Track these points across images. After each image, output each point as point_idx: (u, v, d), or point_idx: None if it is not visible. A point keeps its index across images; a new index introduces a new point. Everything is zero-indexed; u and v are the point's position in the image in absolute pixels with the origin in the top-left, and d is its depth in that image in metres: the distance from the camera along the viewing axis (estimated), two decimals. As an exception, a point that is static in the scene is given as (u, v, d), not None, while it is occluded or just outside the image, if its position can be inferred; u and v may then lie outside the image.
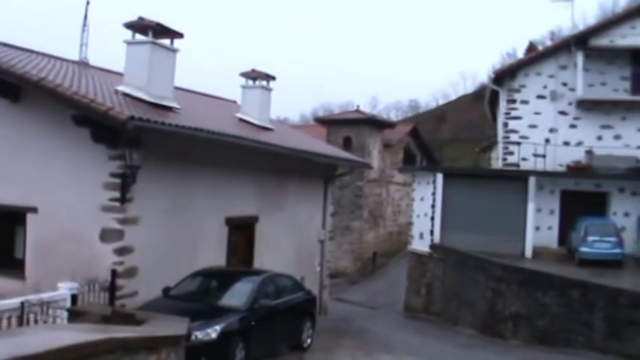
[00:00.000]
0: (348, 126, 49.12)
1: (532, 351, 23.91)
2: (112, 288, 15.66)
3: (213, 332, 14.52)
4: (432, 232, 33.73)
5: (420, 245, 34.83)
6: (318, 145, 28.83)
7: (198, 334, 14.16)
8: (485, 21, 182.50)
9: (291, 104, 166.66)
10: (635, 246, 32.52)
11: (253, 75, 25.11)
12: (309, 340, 19.50)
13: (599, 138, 35.86)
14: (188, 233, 18.67)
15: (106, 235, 16.01)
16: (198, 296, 16.84)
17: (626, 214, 33.84)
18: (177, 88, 20.52)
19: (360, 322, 28.10)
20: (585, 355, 22.88)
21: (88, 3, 24.17)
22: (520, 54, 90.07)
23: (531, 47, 75.05)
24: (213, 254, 19.77)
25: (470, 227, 32.45)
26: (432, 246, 33.55)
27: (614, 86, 36.66)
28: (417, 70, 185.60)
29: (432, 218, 33.79)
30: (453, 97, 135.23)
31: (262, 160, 22.10)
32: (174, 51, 18.88)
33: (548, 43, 75.43)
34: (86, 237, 16.08)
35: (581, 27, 47.76)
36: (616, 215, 33.85)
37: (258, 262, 22.12)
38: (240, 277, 18.06)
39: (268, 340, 16.80)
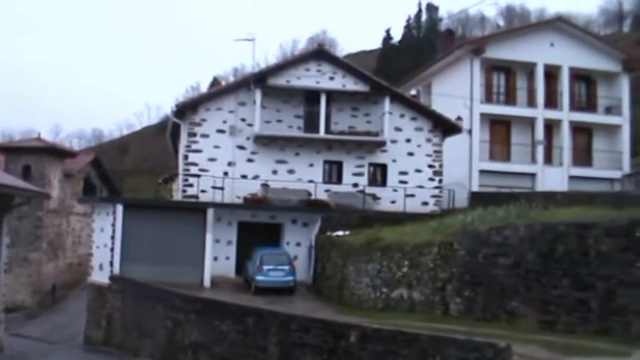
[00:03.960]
0: (28, 154, 47.54)
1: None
2: None
3: None
4: (111, 264, 33.36)
5: (100, 277, 34.33)
6: (-7, 174, 27.57)
7: None
8: (174, 53, 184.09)
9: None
10: (306, 273, 34.67)
11: None
12: (-21, 379, 18.63)
13: (275, 172, 37.85)
14: None
15: None
16: None
17: (298, 244, 36.02)
18: None
19: (37, 359, 27.17)
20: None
21: None
22: (205, 88, 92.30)
23: (215, 82, 77.37)
24: None
25: (151, 258, 32.65)
26: (112, 277, 33.16)
27: (289, 123, 38.88)
28: (101, 98, 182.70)
29: (112, 249, 33.47)
30: (138, 127, 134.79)
31: None
32: None
33: (232, 79, 78.00)
34: None
35: (263, 66, 49.99)
36: (289, 245, 35.94)
37: None
38: None
39: None
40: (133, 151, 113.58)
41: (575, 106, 47.81)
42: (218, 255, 35.12)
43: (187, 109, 38.36)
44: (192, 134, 37.63)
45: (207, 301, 27.36)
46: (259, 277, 31.56)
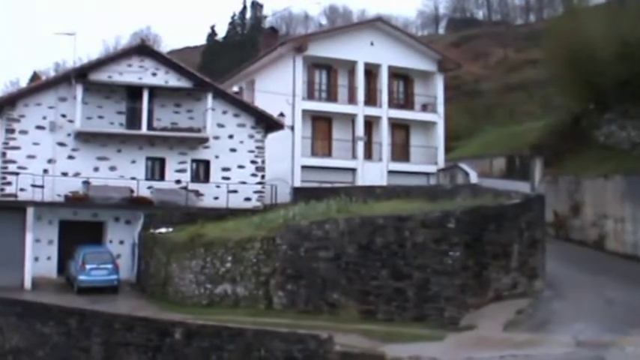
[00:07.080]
0: None
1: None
2: None
3: None
4: None
5: None
6: None
7: None
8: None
9: None
10: (130, 272, 34.44)
11: None
12: None
13: (96, 169, 37.00)
14: None
15: None
16: None
17: (122, 242, 35.72)
18: None
19: None
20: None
21: None
22: (24, 83, 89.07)
23: (35, 77, 74.46)
24: None
25: (-34, 261, 31.43)
26: None
27: (111, 120, 38.14)
28: None
29: None
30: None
31: None
32: None
33: (53, 74, 75.74)
34: None
35: (85, 61, 48.77)
36: (112, 243, 35.59)
37: None
38: None
39: None
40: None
41: (393, 104, 49.61)
42: (39, 255, 34.21)
43: (5, 104, 36.82)
44: (10, 130, 36.17)
45: (27, 304, 26.79)
46: (82, 277, 31.13)
